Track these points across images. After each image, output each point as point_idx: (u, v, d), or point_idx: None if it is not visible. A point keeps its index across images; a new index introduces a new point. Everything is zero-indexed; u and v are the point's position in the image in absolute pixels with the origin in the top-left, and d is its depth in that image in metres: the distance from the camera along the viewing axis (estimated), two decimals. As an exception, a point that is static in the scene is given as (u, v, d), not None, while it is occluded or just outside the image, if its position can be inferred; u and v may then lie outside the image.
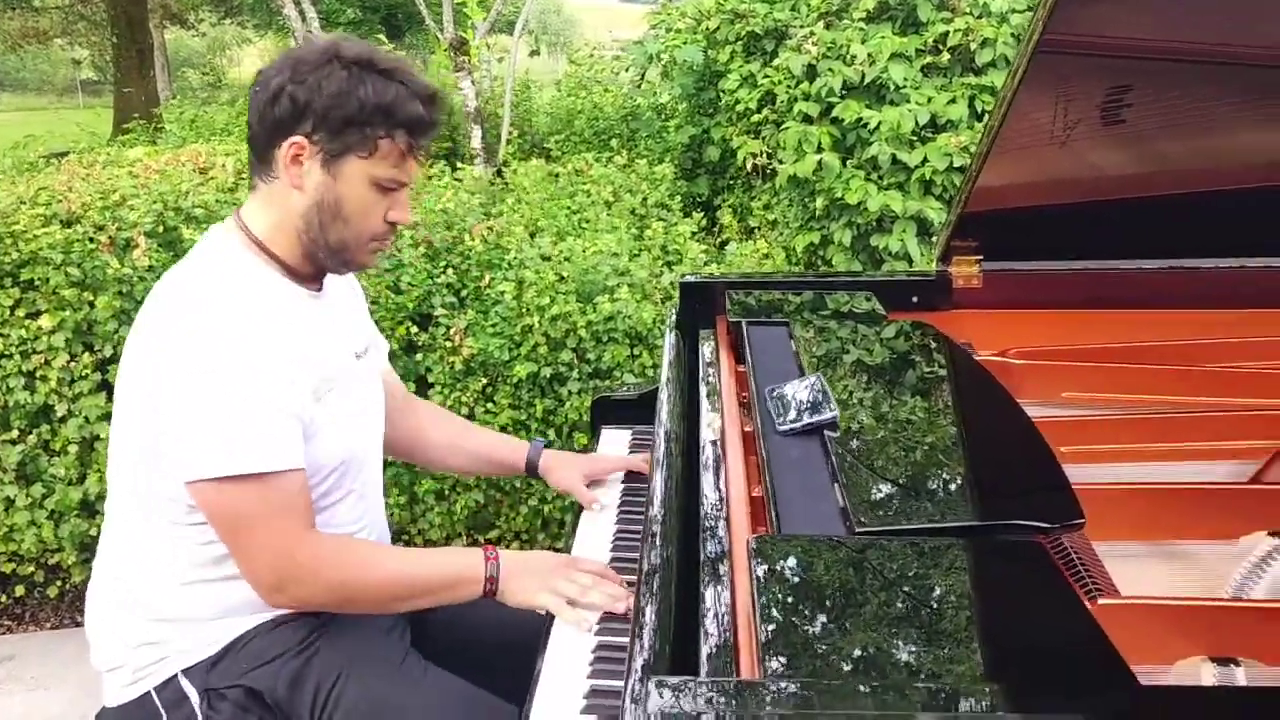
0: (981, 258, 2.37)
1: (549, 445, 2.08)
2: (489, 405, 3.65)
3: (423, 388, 3.70)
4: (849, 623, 0.92)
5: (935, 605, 0.95)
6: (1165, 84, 2.09)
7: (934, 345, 1.80)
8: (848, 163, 4.51)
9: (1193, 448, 1.57)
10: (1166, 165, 2.29)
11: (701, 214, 5.04)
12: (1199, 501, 1.32)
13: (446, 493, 3.64)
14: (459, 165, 5.45)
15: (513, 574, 1.54)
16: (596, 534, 1.78)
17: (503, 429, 3.68)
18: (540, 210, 4.26)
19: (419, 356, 3.63)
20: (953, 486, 1.20)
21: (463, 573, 1.55)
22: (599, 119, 6.66)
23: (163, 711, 1.52)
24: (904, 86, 4.28)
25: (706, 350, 1.95)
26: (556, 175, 5.02)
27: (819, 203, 4.44)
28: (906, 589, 0.97)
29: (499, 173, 6.16)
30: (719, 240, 5.46)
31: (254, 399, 1.41)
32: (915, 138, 4.27)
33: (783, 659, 0.86)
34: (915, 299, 2.38)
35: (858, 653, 0.87)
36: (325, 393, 1.54)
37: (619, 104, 6.87)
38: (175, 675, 1.52)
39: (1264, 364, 1.95)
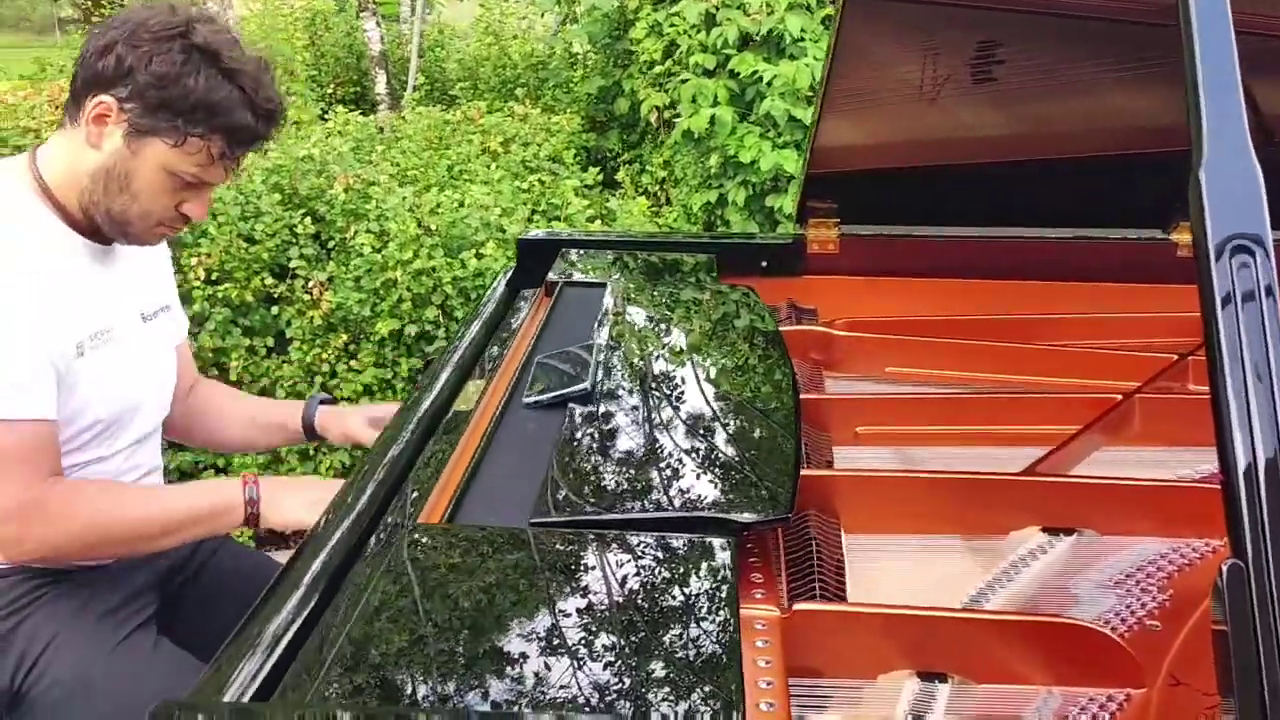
0: (840, 221, 2.23)
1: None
2: (351, 363, 3.48)
3: (281, 343, 3.52)
4: (451, 631, 0.81)
5: (564, 604, 0.85)
6: (1035, 42, 1.97)
7: (740, 316, 1.66)
8: (747, 119, 4.36)
9: (1002, 431, 1.46)
10: (1036, 128, 2.18)
11: (599, 169, 4.87)
12: (982, 492, 1.20)
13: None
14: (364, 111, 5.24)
15: (274, 495, 1.45)
16: None
17: (366, 389, 3.52)
18: (418, 159, 4.06)
19: (275, 310, 3.44)
20: (668, 474, 1.07)
21: (220, 501, 1.46)
22: (505, 67, 6.44)
23: None
24: (802, 39, 4.12)
25: (519, 313, 1.80)
26: (447, 123, 4.81)
27: (714, 160, 4.29)
28: (547, 586, 0.88)
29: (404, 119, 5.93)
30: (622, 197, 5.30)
31: (3, 343, 1.32)
32: (813, 93, 4.12)
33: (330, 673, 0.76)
34: (765, 263, 2.23)
35: (426, 664, 0.78)
36: (91, 348, 1.44)
37: (528, 51, 6.63)
38: None
39: (1102, 342, 1.85)
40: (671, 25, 4.88)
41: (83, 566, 1.49)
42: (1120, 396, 1.45)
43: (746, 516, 0.97)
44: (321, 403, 1.80)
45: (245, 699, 0.76)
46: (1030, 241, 2.10)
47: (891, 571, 1.12)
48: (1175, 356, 1.63)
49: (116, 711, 1.39)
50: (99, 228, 1.48)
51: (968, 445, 1.47)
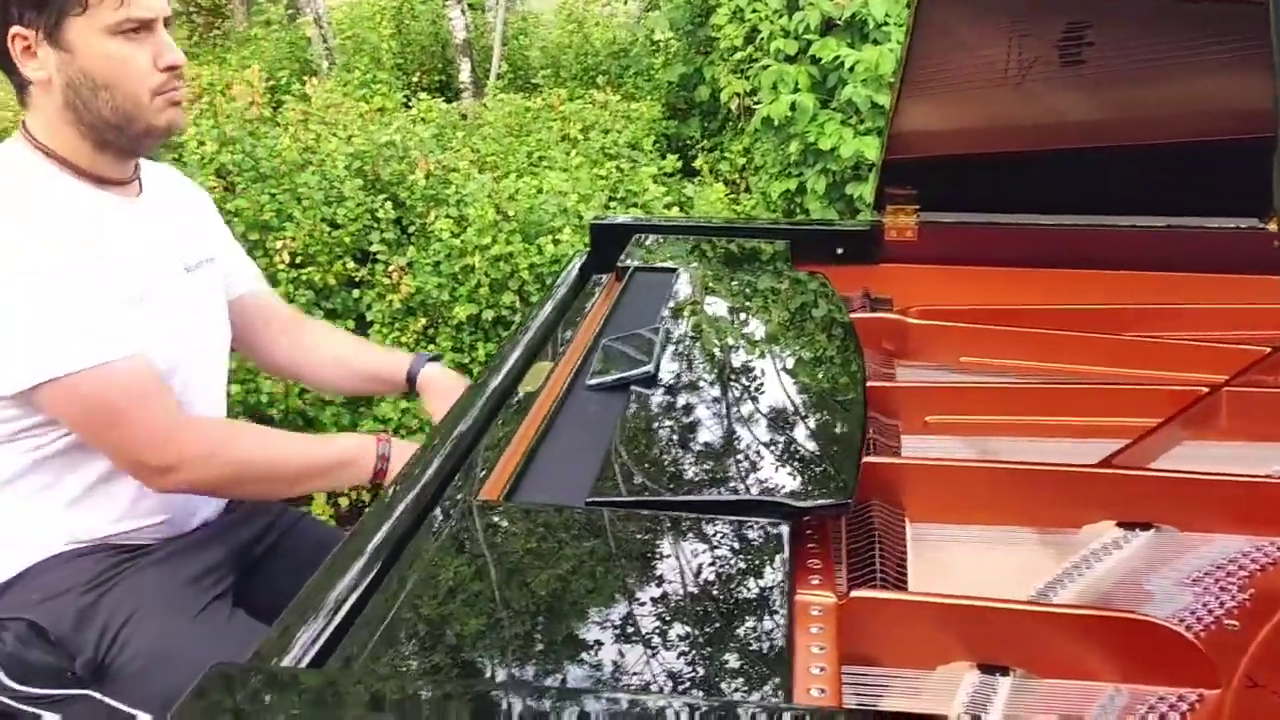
0: (918, 208, 2.19)
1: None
2: (430, 347, 3.52)
3: (362, 326, 3.58)
4: (502, 603, 0.81)
5: (615, 583, 0.85)
6: (1126, 23, 1.91)
7: (808, 302, 1.64)
8: (829, 105, 4.30)
9: (1078, 423, 1.41)
10: (1125, 113, 2.10)
11: (678, 156, 4.86)
12: (1055, 484, 1.17)
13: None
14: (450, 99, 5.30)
15: (404, 456, 1.47)
16: None
17: (444, 371, 3.57)
18: (498, 145, 4.09)
19: (356, 293, 3.51)
20: (726, 458, 1.06)
21: (355, 451, 1.51)
22: (587, 54, 6.45)
23: None
24: (886, 23, 4.05)
25: (590, 297, 1.80)
26: (528, 110, 4.84)
27: (793, 147, 4.24)
28: (599, 564, 0.87)
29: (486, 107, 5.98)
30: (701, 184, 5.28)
31: (77, 294, 1.35)
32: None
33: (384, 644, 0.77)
34: (841, 250, 2.19)
35: (477, 635, 0.79)
36: (139, 301, 1.44)
37: (609, 39, 6.64)
38: None
39: (1188, 334, 1.78)
40: (754, 11, 4.85)
41: (162, 538, 1.52)
42: (1206, 390, 1.40)
43: (803, 501, 0.96)
44: (431, 359, 1.80)
45: (303, 664, 0.78)
46: (1116, 230, 2.03)
47: (957, 562, 1.10)
48: (1268, 350, 1.56)
49: (193, 681, 1.42)
50: (121, 160, 1.47)
51: (1042, 437, 1.43)
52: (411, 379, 1.79)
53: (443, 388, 1.76)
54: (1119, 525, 1.12)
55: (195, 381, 1.57)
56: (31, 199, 1.40)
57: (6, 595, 1.45)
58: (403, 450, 1.50)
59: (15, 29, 1.36)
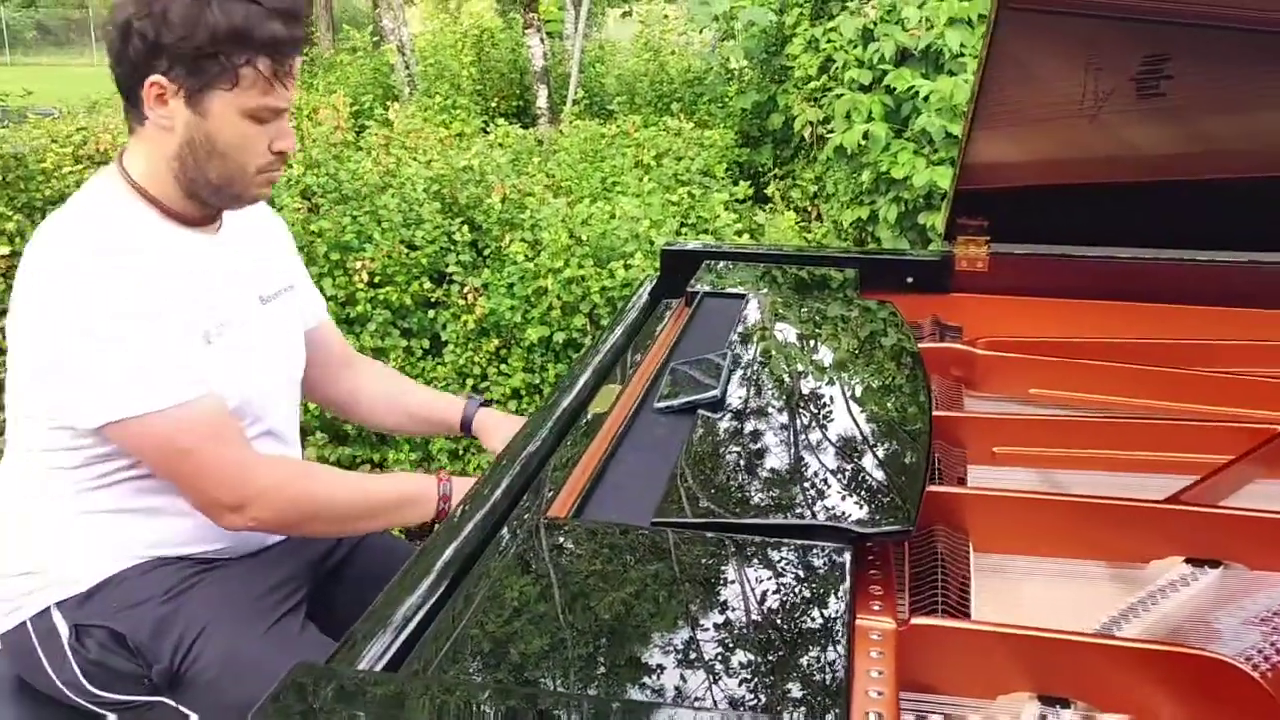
0: (990, 239, 2.18)
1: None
2: (502, 367, 3.59)
3: (436, 345, 3.66)
4: (566, 619, 0.83)
5: (677, 602, 0.86)
6: (1207, 56, 1.89)
7: (876, 330, 1.65)
8: (903, 135, 4.30)
9: (1147, 458, 1.40)
10: (1203, 146, 2.07)
11: (750, 183, 4.88)
12: (1123, 518, 1.16)
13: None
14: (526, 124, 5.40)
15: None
16: None
17: (515, 392, 3.63)
18: (573, 171, 4.16)
19: (432, 313, 3.59)
20: (790, 482, 1.07)
21: (417, 491, 1.54)
22: (662, 82, 6.52)
23: (36, 643, 1.50)
24: (962, 54, 4.04)
25: (659, 321, 1.83)
26: (603, 136, 4.91)
27: (865, 176, 4.24)
28: (662, 583, 0.89)
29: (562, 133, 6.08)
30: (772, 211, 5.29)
31: (154, 333, 1.39)
32: (971, 110, 4.03)
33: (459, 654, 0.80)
34: (911, 279, 2.19)
35: (542, 649, 0.81)
36: (217, 336, 1.49)
37: (684, 67, 6.71)
38: (49, 607, 1.50)
39: (1263, 371, 1.75)
40: (828, 41, 4.87)
41: (238, 554, 1.55)
42: (1278, 428, 1.37)
43: (865, 527, 0.97)
44: (482, 404, 1.84)
45: (374, 671, 0.81)
46: (1189, 264, 2.00)
47: (1021, 592, 1.09)
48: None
49: (264, 692, 1.44)
50: (204, 212, 1.51)
51: (1110, 471, 1.41)
52: (466, 423, 1.82)
53: (500, 427, 1.80)
54: (1187, 561, 1.11)
55: (271, 409, 1.61)
56: (121, 237, 1.44)
57: (89, 603, 1.48)
58: (462, 488, 1.53)
59: (157, 78, 1.39)
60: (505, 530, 1.01)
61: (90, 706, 1.49)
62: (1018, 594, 1.09)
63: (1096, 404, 1.66)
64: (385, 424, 1.98)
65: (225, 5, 1.36)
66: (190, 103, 1.41)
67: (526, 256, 3.45)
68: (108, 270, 1.39)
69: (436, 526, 1.65)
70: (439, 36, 8.22)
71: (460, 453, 3.53)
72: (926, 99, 4.03)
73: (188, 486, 1.44)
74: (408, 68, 7.16)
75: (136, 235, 1.45)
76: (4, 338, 3.05)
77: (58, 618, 1.49)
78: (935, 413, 1.33)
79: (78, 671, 1.47)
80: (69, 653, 1.48)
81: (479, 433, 1.84)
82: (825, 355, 1.52)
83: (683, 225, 3.86)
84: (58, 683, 1.48)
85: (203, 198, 1.49)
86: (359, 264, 3.48)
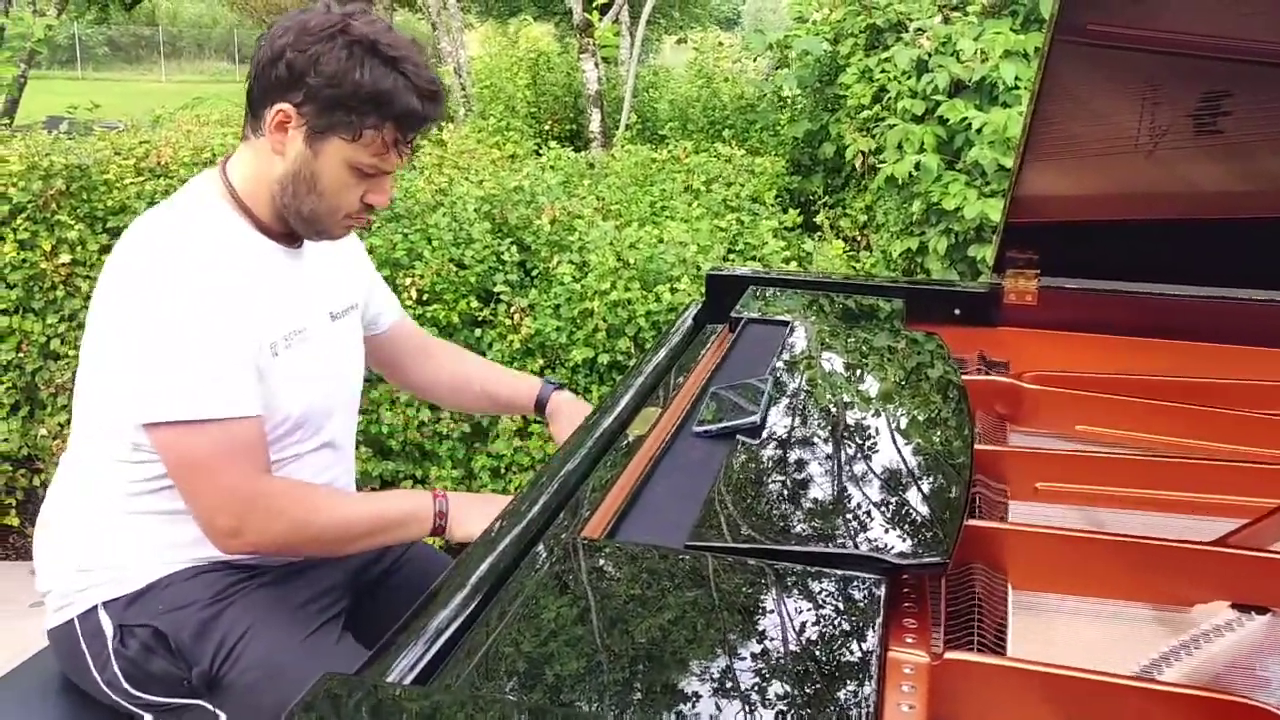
0: (1039, 273, 2.15)
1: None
2: (547, 387, 3.60)
3: (481, 364, 3.68)
4: (593, 639, 0.84)
5: (709, 626, 0.86)
6: (1266, 92, 1.86)
7: (919, 361, 1.64)
8: (955, 166, 4.27)
9: (1195, 499, 1.37)
10: (1260, 184, 2.04)
11: (799, 211, 4.88)
12: (1167, 559, 1.14)
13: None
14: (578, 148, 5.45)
15: (461, 510, 1.53)
16: None
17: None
18: (623, 194, 4.18)
19: (479, 332, 3.62)
20: (827, 510, 1.07)
21: (412, 510, 1.55)
22: (714, 108, 6.54)
23: (82, 640, 1.54)
24: (1016, 87, 4.01)
25: (703, 345, 1.83)
26: (654, 161, 4.94)
27: (916, 206, 4.22)
28: (694, 607, 0.89)
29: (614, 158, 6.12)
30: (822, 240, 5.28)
31: (211, 345, 1.42)
32: (1024, 143, 3.99)
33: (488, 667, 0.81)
34: (958, 311, 2.17)
35: (570, 668, 0.81)
36: (285, 348, 1.53)
37: (737, 94, 6.73)
38: (96, 606, 1.53)
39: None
40: (882, 71, 4.86)
41: (281, 562, 1.58)
42: (1336, 473, 1.34)
43: (899, 559, 0.96)
44: (557, 387, 1.89)
45: (405, 683, 0.82)
46: (1241, 303, 1.96)
47: (1059, 631, 1.08)
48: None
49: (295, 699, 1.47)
50: (290, 230, 1.55)
51: (1155, 511, 1.39)
52: (541, 404, 1.88)
53: (569, 414, 1.84)
54: (1233, 606, 1.09)
55: (331, 421, 1.65)
56: (212, 248, 1.48)
57: (135, 605, 1.52)
58: (460, 503, 1.55)
59: (287, 107, 1.44)
60: (540, 548, 1.02)
61: (128, 706, 1.52)
62: (1055, 632, 1.08)
63: (1143, 442, 1.63)
64: (465, 405, 2.08)
65: (376, 69, 1.43)
66: (309, 139, 1.46)
67: (574, 278, 3.48)
68: (193, 278, 1.44)
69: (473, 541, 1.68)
70: (496, 59, 8.34)
71: (502, 471, 3.54)
72: (979, 131, 4.00)
73: (191, 501, 1.47)
74: (464, 89, 7.26)
75: (228, 245, 1.51)
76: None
77: (104, 617, 1.53)
78: (977, 446, 1.32)
79: (118, 671, 1.50)
80: (111, 653, 1.51)
81: (551, 414, 1.89)
82: (867, 384, 1.51)
83: (730, 251, 3.86)
84: (99, 681, 1.51)
85: (287, 222, 1.54)
86: (409, 281, 3.52)
